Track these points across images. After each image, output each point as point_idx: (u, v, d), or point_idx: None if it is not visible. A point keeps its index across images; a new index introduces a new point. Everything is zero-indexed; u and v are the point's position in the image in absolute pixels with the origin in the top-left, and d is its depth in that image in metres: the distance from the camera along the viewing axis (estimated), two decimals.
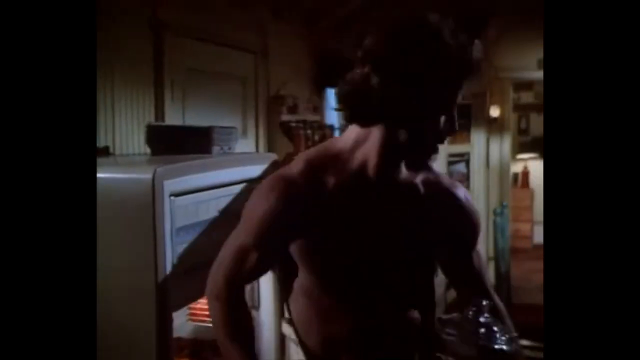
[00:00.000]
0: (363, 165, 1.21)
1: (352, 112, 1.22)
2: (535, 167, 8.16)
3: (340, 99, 1.24)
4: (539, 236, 7.27)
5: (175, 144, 2.11)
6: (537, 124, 8.41)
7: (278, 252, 1.27)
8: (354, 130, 1.22)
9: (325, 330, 1.27)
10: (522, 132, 8.53)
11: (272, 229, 1.20)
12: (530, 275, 5.50)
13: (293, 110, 3.56)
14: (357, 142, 1.21)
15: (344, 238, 1.21)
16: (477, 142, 5.41)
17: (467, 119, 5.44)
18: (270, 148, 3.46)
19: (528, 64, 5.81)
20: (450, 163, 5.46)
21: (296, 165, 1.23)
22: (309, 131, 3.62)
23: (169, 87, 2.63)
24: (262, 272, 1.34)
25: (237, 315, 1.29)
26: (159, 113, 2.57)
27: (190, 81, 2.80)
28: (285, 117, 3.47)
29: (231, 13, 3.13)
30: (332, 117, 4.49)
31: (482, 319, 1.08)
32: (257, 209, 1.22)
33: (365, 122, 1.20)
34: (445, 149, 5.13)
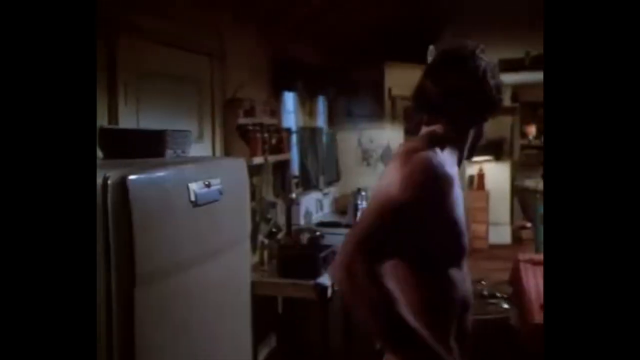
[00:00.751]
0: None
1: (417, 107, 1.56)
2: (490, 169, 8.34)
3: (412, 97, 1.57)
4: (493, 237, 7.45)
5: (128, 147, 2.09)
6: (491, 128, 8.60)
7: None
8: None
9: None
10: (476, 140, 8.68)
11: None
12: (487, 275, 5.61)
13: (250, 113, 3.55)
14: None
15: None
16: None
17: None
18: (226, 151, 3.44)
19: None
20: None
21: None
22: (265, 134, 3.62)
23: (123, 91, 2.59)
24: None
25: None
26: (112, 117, 2.53)
27: (144, 84, 2.76)
28: (242, 121, 3.46)
29: (187, 15, 3.11)
30: (290, 120, 4.51)
31: None
32: None
33: (424, 115, 1.54)
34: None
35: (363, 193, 4.40)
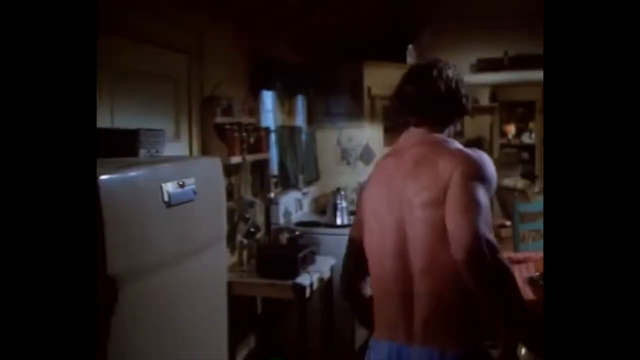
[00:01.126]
0: None
1: (399, 107, 1.85)
2: None
3: (393, 98, 1.86)
4: None
5: (101, 147, 2.05)
6: (471, 127, 8.67)
7: None
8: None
9: None
10: (456, 134, 8.73)
11: None
12: None
13: (227, 112, 3.52)
14: None
15: None
16: None
17: None
18: (204, 151, 3.41)
19: (462, 70, 5.97)
20: None
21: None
22: (244, 133, 3.59)
23: (97, 89, 2.55)
24: None
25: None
26: None
27: (119, 82, 2.72)
28: (220, 119, 3.42)
29: (165, 12, 3.07)
30: (268, 119, 4.48)
31: None
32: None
33: (405, 114, 1.83)
34: (381, 150, 5.21)
35: (342, 192, 4.38)
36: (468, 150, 1.68)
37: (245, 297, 3.75)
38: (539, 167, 11.48)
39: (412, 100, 1.76)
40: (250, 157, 3.69)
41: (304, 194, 4.65)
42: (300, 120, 5.06)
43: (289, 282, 3.43)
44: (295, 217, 4.52)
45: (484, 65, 5.81)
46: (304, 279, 3.46)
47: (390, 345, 1.71)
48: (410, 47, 5.57)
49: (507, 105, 12.00)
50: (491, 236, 1.52)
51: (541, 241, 5.89)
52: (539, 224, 5.90)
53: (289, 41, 4.64)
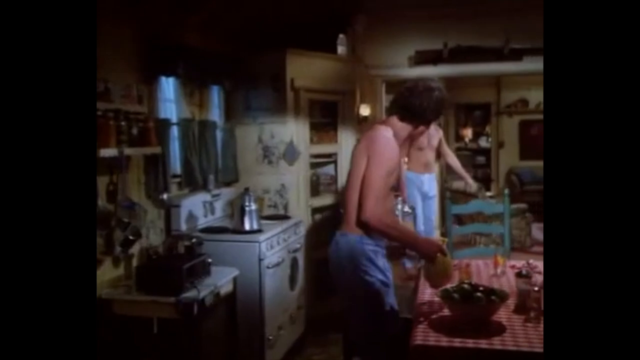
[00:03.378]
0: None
1: (394, 104, 2.80)
2: None
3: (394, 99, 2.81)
4: None
5: None
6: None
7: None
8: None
9: None
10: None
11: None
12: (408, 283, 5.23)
13: (104, 97, 2.98)
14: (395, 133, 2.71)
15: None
16: (346, 143, 5.02)
17: (334, 117, 5.05)
18: None
19: (399, 62, 5.53)
20: (318, 165, 5.05)
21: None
22: (123, 122, 3.05)
23: None
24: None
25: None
26: None
27: None
28: None
29: None
30: (169, 110, 3.94)
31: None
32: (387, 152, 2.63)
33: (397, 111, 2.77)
34: (307, 148, 4.71)
35: (251, 194, 3.86)
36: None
37: (139, 317, 3.17)
38: (494, 171, 11.19)
39: (403, 100, 2.73)
40: (131, 151, 3.14)
41: (215, 196, 4.10)
42: (215, 114, 4.52)
43: (172, 298, 2.89)
44: (205, 222, 3.97)
45: (422, 58, 5.37)
46: (191, 295, 2.93)
47: None
48: (341, 36, 5.09)
49: (464, 108, 11.71)
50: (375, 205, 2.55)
51: (491, 246, 5.48)
52: (479, 227, 5.49)
53: (199, 26, 4.12)
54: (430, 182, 5.82)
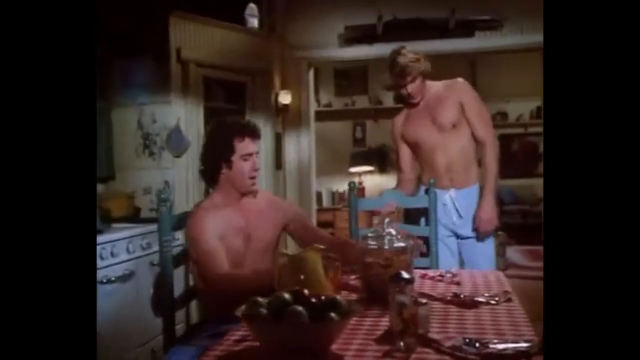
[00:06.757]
0: None
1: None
2: (372, 181, 7.08)
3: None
4: None
5: None
6: (373, 134, 7.37)
7: None
8: None
9: None
10: (357, 142, 7.46)
11: None
12: None
13: None
14: None
15: None
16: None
17: (241, 102, 4.14)
18: None
19: (327, 41, 4.65)
20: None
21: None
22: None
23: None
24: None
25: None
26: None
27: None
28: None
29: None
30: None
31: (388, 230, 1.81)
32: None
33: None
34: (201, 138, 3.78)
35: None
36: None
37: None
38: None
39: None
40: None
41: None
42: None
43: None
44: None
45: (353, 35, 4.49)
46: None
47: None
48: (251, 5, 4.21)
49: None
50: None
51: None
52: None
53: None
54: None
